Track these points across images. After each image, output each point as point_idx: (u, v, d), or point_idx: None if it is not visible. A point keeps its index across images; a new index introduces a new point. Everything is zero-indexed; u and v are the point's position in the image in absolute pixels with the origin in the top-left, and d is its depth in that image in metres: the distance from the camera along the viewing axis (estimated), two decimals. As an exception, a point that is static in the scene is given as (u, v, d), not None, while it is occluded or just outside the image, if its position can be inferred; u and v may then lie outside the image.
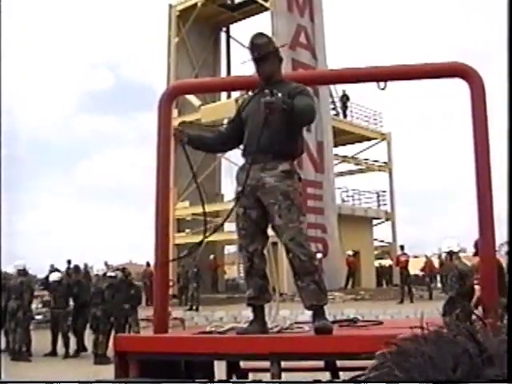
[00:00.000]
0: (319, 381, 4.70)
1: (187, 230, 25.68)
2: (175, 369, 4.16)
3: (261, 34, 4.05)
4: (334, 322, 4.18)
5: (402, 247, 23.58)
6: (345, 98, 30.76)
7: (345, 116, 30.94)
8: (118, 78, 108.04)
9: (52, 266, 22.16)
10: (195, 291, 21.24)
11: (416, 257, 29.65)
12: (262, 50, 3.95)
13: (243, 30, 30.11)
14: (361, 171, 33.54)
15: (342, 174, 32.80)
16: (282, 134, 3.88)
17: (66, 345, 12.82)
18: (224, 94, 27.87)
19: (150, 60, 72.50)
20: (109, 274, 12.88)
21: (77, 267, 15.03)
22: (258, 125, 3.88)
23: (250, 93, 4.34)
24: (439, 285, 23.85)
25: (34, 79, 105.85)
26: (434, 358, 0.62)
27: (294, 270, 3.86)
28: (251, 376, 4.99)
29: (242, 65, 4.21)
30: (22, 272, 12.87)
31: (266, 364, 4.04)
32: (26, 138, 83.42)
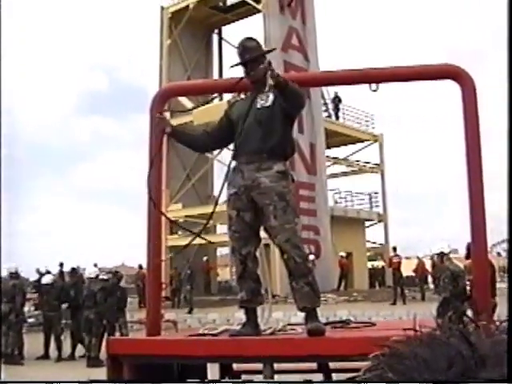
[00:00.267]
0: (310, 381, 4.70)
1: (180, 232, 25.65)
2: (168, 371, 4.15)
3: (250, 39, 4.09)
4: (326, 324, 4.18)
5: (394, 249, 23.64)
6: (337, 100, 30.80)
7: (337, 118, 30.99)
8: (112, 81, 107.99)
9: (38, 269, 22.14)
10: (188, 293, 21.21)
11: (408, 258, 29.71)
12: (251, 52, 3.98)
13: (235, 32, 30.12)
14: (353, 173, 33.60)
15: (334, 175, 32.85)
16: (275, 134, 3.90)
17: (59, 348, 12.77)
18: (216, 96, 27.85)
19: (143, 62, 72.42)
20: (101, 276, 12.84)
21: (73, 269, 15.00)
22: (251, 125, 3.90)
23: (243, 95, 4.33)
24: (432, 286, 23.90)
25: (30, 80, 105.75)
26: (428, 359, 0.62)
27: (288, 271, 3.86)
28: (244, 378, 4.98)
29: (231, 69, 4.21)
30: (14, 275, 12.82)
31: (259, 366, 4.05)
32: (24, 139, 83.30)
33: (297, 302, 3.88)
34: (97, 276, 12.78)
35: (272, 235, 3.86)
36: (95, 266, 15.18)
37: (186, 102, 25.61)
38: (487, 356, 0.62)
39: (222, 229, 25.22)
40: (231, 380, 4.77)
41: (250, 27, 28.50)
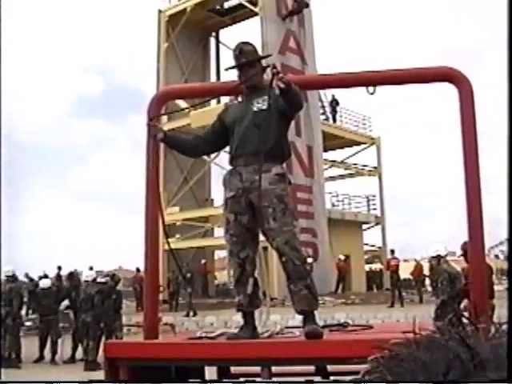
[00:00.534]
0: (311, 381, 4.70)
1: (177, 236, 25.65)
2: (166, 375, 4.14)
3: (246, 43, 4.11)
4: (324, 327, 4.17)
5: (392, 251, 23.65)
6: (334, 103, 30.84)
7: (334, 121, 31.02)
8: (109, 83, 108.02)
9: (27, 274, 22.15)
10: (188, 297, 21.20)
11: (406, 261, 29.73)
12: (247, 56, 4.01)
13: (233, 36, 30.17)
14: (351, 176, 33.63)
15: (332, 178, 32.87)
16: (272, 137, 3.91)
17: (55, 351, 12.77)
18: (214, 99, 27.86)
19: (140, 64, 72.45)
20: (98, 279, 12.82)
21: (71, 273, 14.99)
22: (248, 128, 3.91)
23: (240, 98, 4.34)
24: (429, 288, 23.91)
25: (29, 81, 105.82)
26: (426, 362, 0.62)
27: (287, 274, 3.85)
28: (242, 381, 4.98)
29: (229, 72, 4.22)
30: (11, 278, 12.79)
31: (257, 369, 4.04)
32: (22, 140, 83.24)
33: (295, 305, 3.88)
34: (94, 279, 12.76)
35: (270, 237, 3.85)
36: (91, 269, 15.17)
37: (183, 104, 25.64)
38: (487, 359, 0.62)
39: (220, 232, 25.26)
40: (230, 380, 4.77)
41: (248, 30, 28.55)
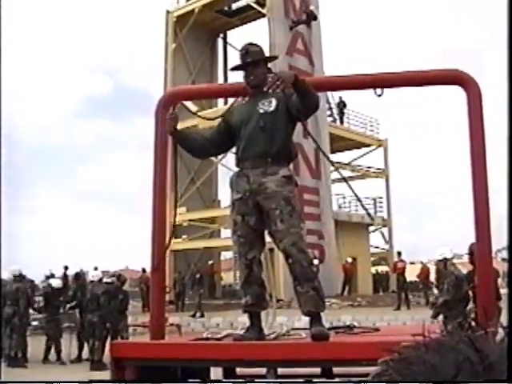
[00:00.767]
0: (310, 381, 4.69)
1: (184, 236, 25.68)
2: (172, 375, 4.15)
3: (253, 44, 4.12)
4: (330, 329, 4.17)
5: (399, 253, 23.61)
6: (341, 105, 30.81)
7: (341, 122, 31.00)
8: (115, 83, 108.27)
9: (50, 275, 22.14)
10: (198, 297, 21.22)
11: (412, 263, 29.67)
12: (253, 56, 4.02)
13: (240, 37, 30.20)
14: (358, 178, 33.57)
15: (340, 180, 32.82)
16: (278, 139, 3.92)
17: (60, 351, 12.80)
18: (221, 100, 27.92)
19: (148, 65, 72.59)
20: (104, 280, 12.84)
21: (77, 274, 15.02)
22: (254, 130, 3.91)
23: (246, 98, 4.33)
24: (436, 291, 23.85)
25: (32, 81, 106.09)
26: (436, 365, 0.62)
27: (293, 276, 3.85)
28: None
29: (236, 73, 4.22)
30: (18, 278, 12.82)
31: (263, 370, 4.04)
32: (26, 141, 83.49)
33: (301, 306, 3.87)
34: (100, 279, 12.78)
35: (277, 239, 3.85)
36: (95, 269, 15.20)
37: (190, 105, 25.68)
38: (496, 362, 0.62)
39: (226, 233, 25.29)
40: (234, 380, 4.77)
41: (255, 31, 28.56)
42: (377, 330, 4.66)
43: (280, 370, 4.10)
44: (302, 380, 4.77)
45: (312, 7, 27.09)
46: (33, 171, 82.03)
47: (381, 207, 32.38)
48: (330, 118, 29.79)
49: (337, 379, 4.85)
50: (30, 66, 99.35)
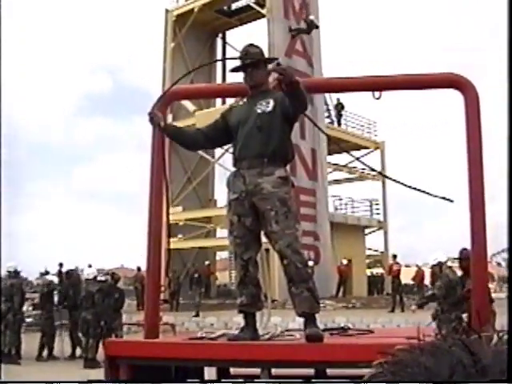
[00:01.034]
0: (308, 381, 4.70)
1: (179, 236, 25.66)
2: (166, 374, 4.15)
3: (253, 45, 4.13)
4: (324, 330, 4.18)
5: (394, 256, 23.61)
6: (339, 107, 30.82)
7: (339, 124, 31.00)
8: (115, 82, 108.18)
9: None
10: (199, 296, 21.22)
11: (408, 266, 29.70)
12: (254, 57, 4.02)
13: (239, 37, 30.22)
14: (354, 179, 33.60)
15: (336, 181, 32.86)
16: (275, 139, 3.92)
17: (53, 348, 12.80)
18: (219, 100, 27.92)
19: (147, 64, 72.41)
20: (99, 278, 12.83)
21: (68, 272, 14.97)
22: (252, 130, 3.91)
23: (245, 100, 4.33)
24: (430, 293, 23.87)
25: (32, 81, 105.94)
26: (430, 368, 0.62)
27: (288, 277, 3.85)
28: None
29: (234, 73, 4.22)
30: (13, 274, 12.80)
31: (257, 371, 4.04)
32: (25, 140, 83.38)
33: (296, 307, 3.88)
34: (95, 277, 12.77)
35: (273, 240, 3.86)
36: (90, 266, 15.15)
37: (188, 105, 25.70)
38: (489, 365, 0.63)
39: (222, 233, 25.28)
40: (230, 380, 4.77)
41: (254, 32, 28.56)
42: (371, 331, 4.67)
43: (274, 371, 4.10)
44: (296, 380, 4.77)
45: (312, 17, 27.05)
46: (32, 170, 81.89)
47: (377, 209, 32.43)
48: (327, 120, 29.80)
49: (331, 381, 4.86)
50: (30, 65, 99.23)
